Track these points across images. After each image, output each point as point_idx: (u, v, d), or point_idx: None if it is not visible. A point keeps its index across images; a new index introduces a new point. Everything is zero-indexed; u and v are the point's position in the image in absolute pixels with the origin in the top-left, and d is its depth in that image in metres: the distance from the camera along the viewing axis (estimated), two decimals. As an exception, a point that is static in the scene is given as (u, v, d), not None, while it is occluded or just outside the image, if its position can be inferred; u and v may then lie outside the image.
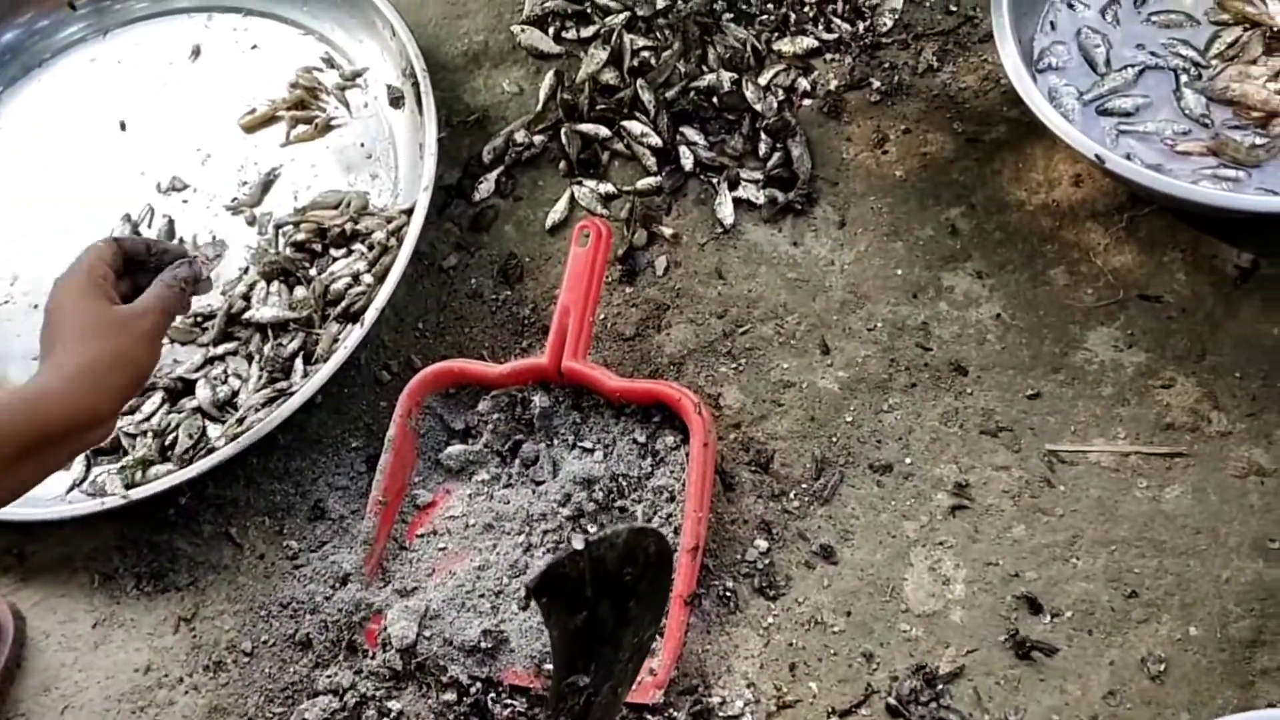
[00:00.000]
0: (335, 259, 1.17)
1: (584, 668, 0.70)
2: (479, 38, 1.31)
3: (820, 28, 1.22)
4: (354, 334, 1.09)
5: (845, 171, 1.17)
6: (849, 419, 1.06)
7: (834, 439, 1.05)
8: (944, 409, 1.05)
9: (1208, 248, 1.07)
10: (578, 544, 0.64)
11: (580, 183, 1.20)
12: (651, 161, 1.19)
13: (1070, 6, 1.12)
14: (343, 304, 1.13)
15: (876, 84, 1.19)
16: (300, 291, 1.15)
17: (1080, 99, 1.08)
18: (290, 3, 1.32)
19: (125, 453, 1.10)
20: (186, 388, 1.13)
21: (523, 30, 1.28)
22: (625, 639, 0.71)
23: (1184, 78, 1.07)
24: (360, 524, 1.06)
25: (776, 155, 1.17)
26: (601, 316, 1.15)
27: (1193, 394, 1.01)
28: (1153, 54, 1.09)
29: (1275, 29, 1.08)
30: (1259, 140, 1.03)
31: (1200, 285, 1.05)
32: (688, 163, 1.18)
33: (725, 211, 1.15)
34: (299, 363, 1.12)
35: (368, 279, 1.13)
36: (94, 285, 0.91)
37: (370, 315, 1.08)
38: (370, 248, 1.15)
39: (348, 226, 1.17)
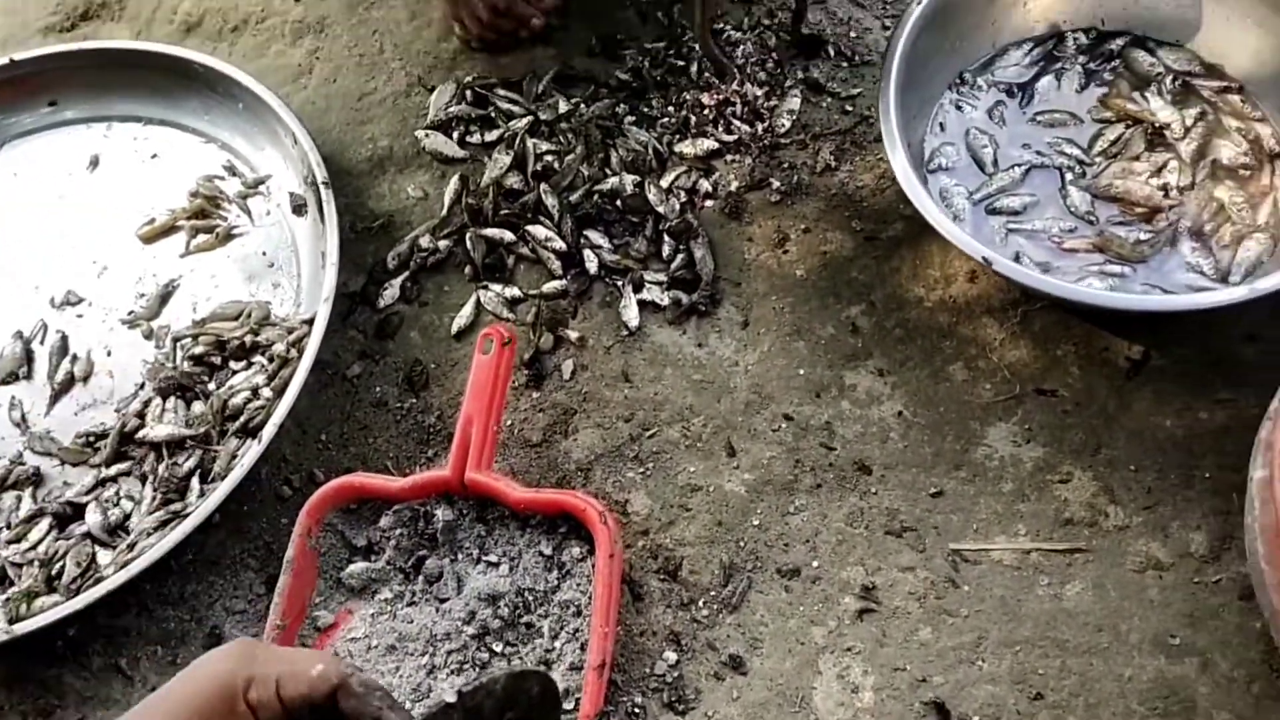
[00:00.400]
0: (235, 372, 1.14)
1: None
2: (383, 143, 1.31)
3: (720, 129, 1.24)
4: (252, 450, 1.07)
5: (748, 272, 1.18)
6: (756, 522, 1.05)
7: (741, 544, 1.04)
8: (849, 509, 1.05)
9: (1100, 340, 1.09)
10: (449, 697, 0.63)
11: (486, 287, 1.20)
12: (556, 265, 1.19)
13: (959, 108, 1.16)
14: (241, 419, 1.10)
15: (776, 184, 1.21)
16: (198, 407, 1.12)
17: (970, 198, 1.10)
18: (191, 111, 1.31)
19: (10, 584, 1.06)
20: (76, 512, 1.08)
21: (427, 135, 1.28)
22: None
23: (1069, 176, 1.11)
24: (259, 649, 1.03)
25: (680, 257, 1.17)
26: (508, 423, 1.13)
27: (1089, 488, 1.02)
28: (1039, 153, 1.12)
29: (1156, 126, 1.12)
30: (1143, 236, 1.06)
31: (1094, 378, 1.07)
32: (592, 266, 1.18)
33: (630, 314, 1.16)
34: (195, 482, 1.08)
35: (267, 392, 1.11)
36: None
37: (268, 431, 1.06)
38: (270, 360, 1.13)
39: (247, 338, 1.15)
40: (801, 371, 1.11)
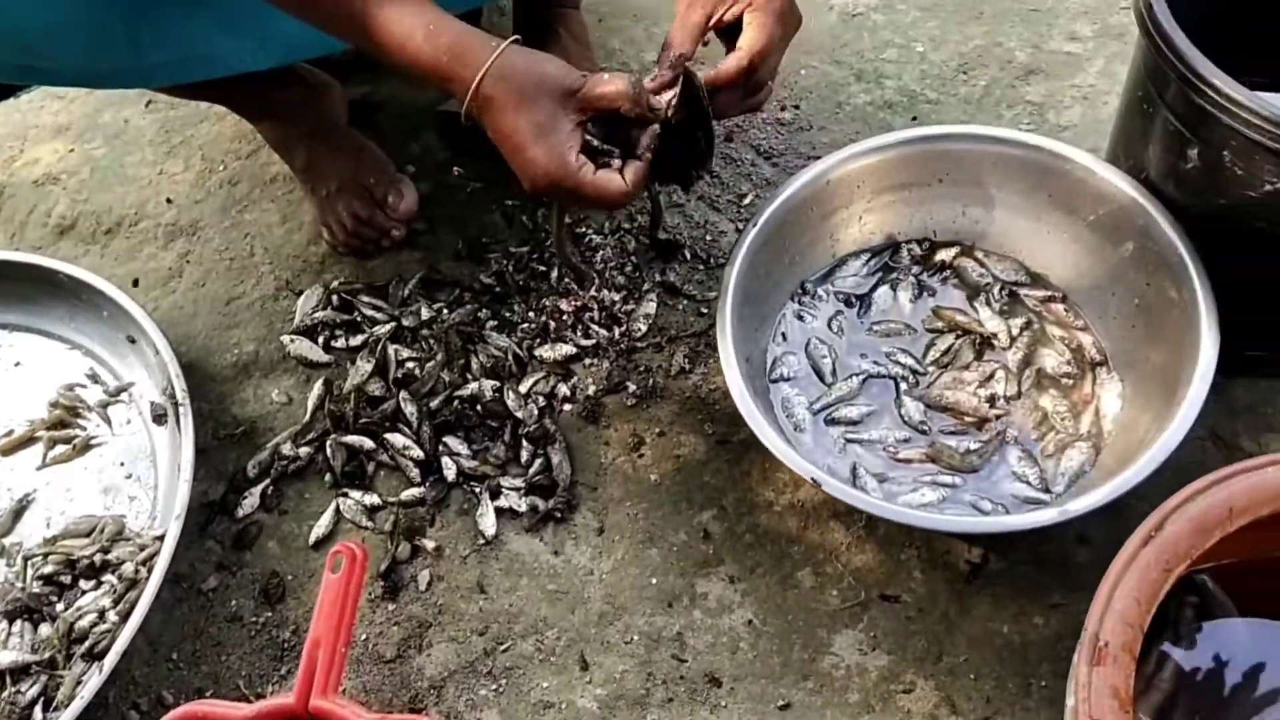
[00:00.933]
0: (84, 592, 1.13)
1: None
2: (249, 348, 1.33)
3: (579, 334, 1.27)
4: (94, 680, 1.04)
5: (604, 476, 1.20)
6: (607, 742, 1.05)
7: (593, 763, 1.04)
8: (700, 724, 1.05)
9: (940, 544, 1.12)
10: None
11: (346, 495, 1.20)
12: (415, 473, 1.20)
13: (800, 318, 1.21)
14: (87, 643, 1.08)
15: (633, 387, 1.24)
16: (44, 630, 1.10)
17: (810, 408, 1.14)
18: (55, 318, 1.32)
19: None
20: (-91, 749, 1.05)
21: (292, 340, 1.30)
22: None
23: (904, 385, 1.15)
24: None
25: (538, 462, 1.19)
26: (363, 636, 1.13)
27: (932, 698, 1.04)
28: (876, 363, 1.17)
29: (985, 335, 1.18)
30: (973, 445, 1.11)
31: (936, 583, 1.10)
32: (450, 473, 1.20)
33: (487, 523, 1.17)
34: (38, 712, 1.06)
35: (113, 616, 1.09)
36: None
37: (110, 660, 1.04)
38: (120, 579, 1.12)
39: (98, 557, 1.13)
40: (654, 580, 1.13)
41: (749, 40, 0.98)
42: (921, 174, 1.21)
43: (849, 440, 1.12)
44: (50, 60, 1.11)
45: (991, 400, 1.13)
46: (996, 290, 1.20)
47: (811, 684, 1.06)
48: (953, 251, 1.23)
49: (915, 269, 1.23)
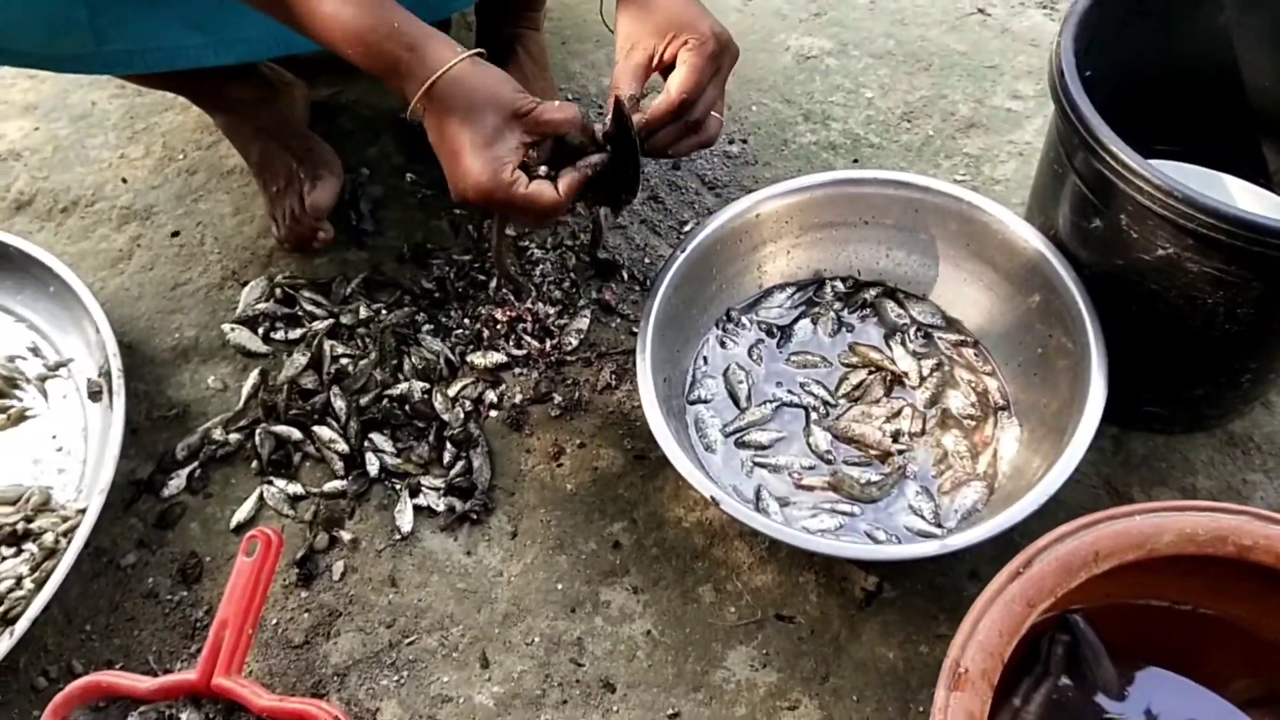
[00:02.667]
0: (3, 559, 1.15)
1: None
2: (190, 333, 1.36)
3: (511, 344, 1.32)
4: (3, 643, 1.07)
5: (522, 482, 1.24)
6: (500, 737, 1.09)
7: (484, 757, 1.08)
8: (590, 727, 1.09)
9: (840, 570, 1.17)
10: None
11: (270, 482, 1.23)
12: (339, 466, 1.24)
13: (722, 344, 1.25)
14: (1, 608, 1.11)
15: (558, 399, 1.29)
16: (-39, 593, 1.13)
17: (723, 430, 1.19)
18: (3, 290, 1.35)
19: None
20: None
21: (233, 329, 1.34)
22: None
23: (814, 415, 1.20)
24: None
25: (459, 464, 1.23)
26: (273, 621, 1.16)
27: (815, 716, 1.08)
28: (790, 391, 1.22)
29: (896, 373, 1.23)
30: (875, 477, 1.15)
31: (830, 607, 1.15)
32: (373, 468, 1.23)
33: (404, 519, 1.20)
34: (-55, 673, 1.08)
35: (29, 584, 1.12)
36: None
37: (21, 625, 1.06)
38: (40, 548, 1.14)
39: (20, 525, 1.16)
40: (560, 586, 1.17)
41: (678, 80, 1.03)
42: (849, 214, 1.26)
43: (757, 464, 1.17)
44: (13, 42, 1.14)
45: (896, 435, 1.18)
46: (912, 331, 1.25)
47: (701, 695, 1.10)
48: (874, 291, 1.28)
49: (837, 305, 1.28)
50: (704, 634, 1.13)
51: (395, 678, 1.12)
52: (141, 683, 1.07)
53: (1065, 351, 1.13)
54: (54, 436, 1.26)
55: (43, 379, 1.30)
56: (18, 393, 1.29)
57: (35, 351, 1.32)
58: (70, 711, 1.06)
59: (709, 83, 1.04)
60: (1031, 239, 1.17)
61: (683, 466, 1.07)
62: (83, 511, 1.16)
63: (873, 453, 1.17)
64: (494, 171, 0.96)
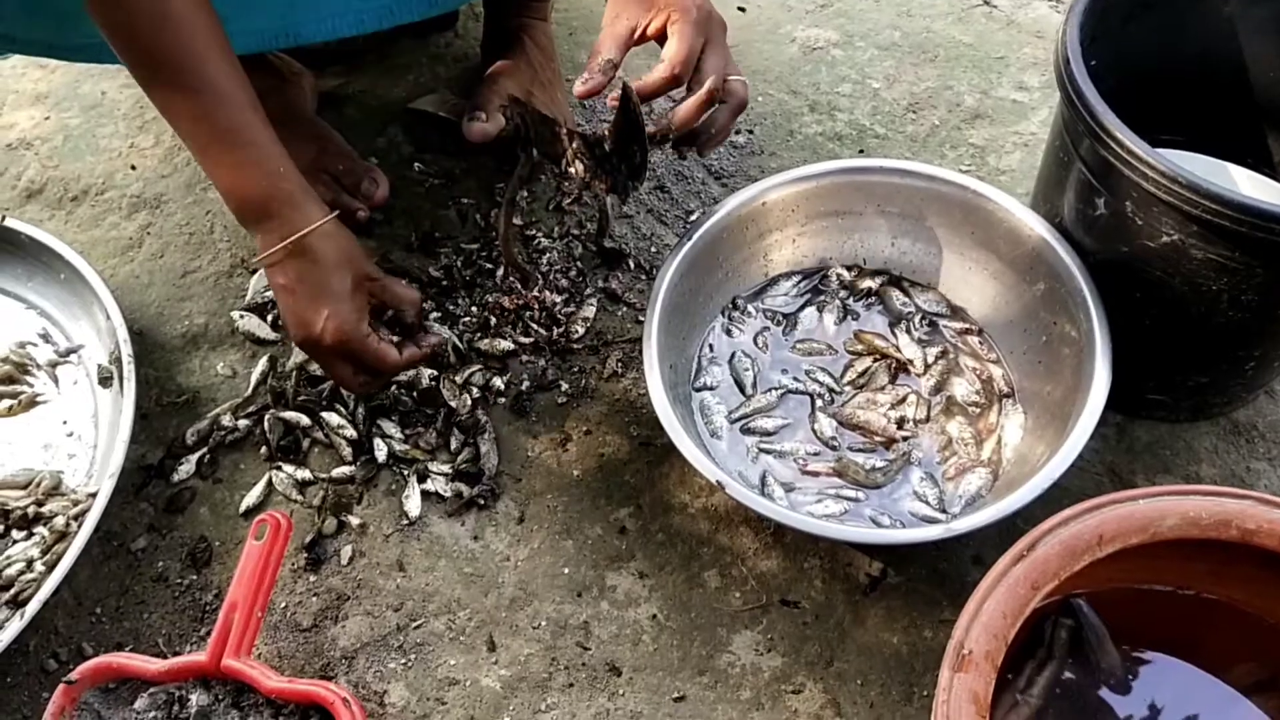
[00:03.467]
0: (15, 541, 1.16)
1: None
2: (200, 320, 1.37)
3: (518, 331, 1.32)
4: (13, 625, 1.08)
5: (529, 468, 1.25)
6: (507, 719, 1.09)
7: (490, 740, 1.08)
8: (597, 709, 1.09)
9: (844, 556, 1.17)
10: None
11: (279, 468, 1.24)
12: (348, 451, 1.25)
13: (728, 332, 1.26)
14: (12, 590, 1.12)
15: (565, 386, 1.29)
16: (-28, 575, 1.14)
17: (728, 417, 1.20)
18: (14, 277, 1.36)
19: None
20: None
21: (242, 316, 1.35)
22: None
23: (820, 402, 1.21)
24: (-5, 831, 1.03)
25: (467, 450, 1.24)
26: (282, 604, 1.17)
27: (819, 700, 1.09)
28: (795, 379, 1.23)
29: (901, 361, 1.23)
30: (879, 464, 1.16)
31: (834, 593, 1.15)
32: (381, 454, 1.24)
33: (412, 505, 1.21)
34: (-43, 652, 1.09)
35: (40, 566, 1.13)
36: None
37: (32, 607, 1.07)
38: (50, 532, 1.15)
39: (31, 509, 1.17)
40: (566, 570, 1.17)
41: (671, 50, 1.06)
42: (855, 203, 1.27)
43: (762, 450, 1.17)
44: (25, 31, 1.15)
45: (901, 422, 1.18)
46: (917, 320, 1.25)
47: (707, 679, 1.10)
48: (879, 280, 1.29)
49: (843, 293, 1.28)
50: (709, 618, 1.14)
51: (403, 660, 1.13)
52: (151, 664, 1.08)
53: (1069, 339, 1.13)
54: (64, 422, 1.27)
55: (53, 365, 1.31)
56: (28, 379, 1.30)
57: (46, 338, 1.33)
58: (82, 691, 1.07)
59: (701, 49, 1.06)
60: (1036, 227, 1.17)
61: (689, 452, 1.07)
62: (93, 496, 1.17)
63: (877, 439, 1.18)
64: (356, 320, 1.09)
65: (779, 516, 1.04)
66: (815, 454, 1.17)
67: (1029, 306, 1.19)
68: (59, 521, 1.16)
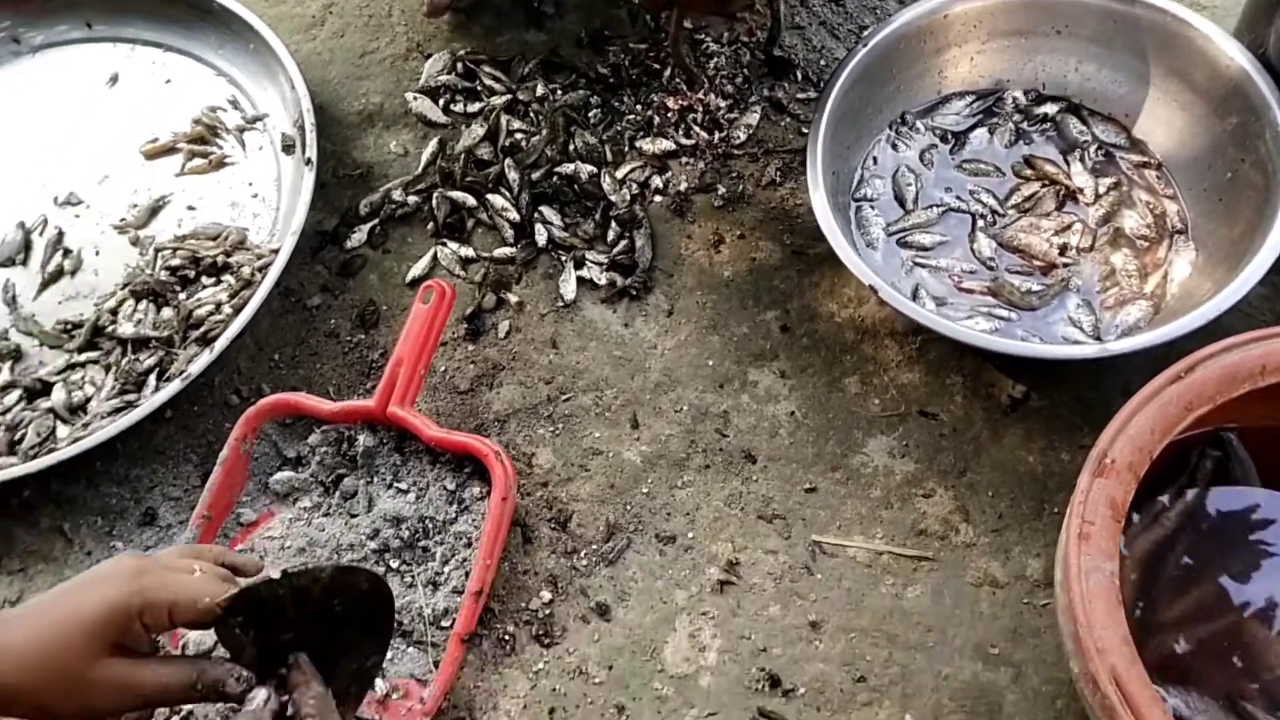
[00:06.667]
0: (204, 286, 1.26)
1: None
2: (375, 99, 1.42)
3: (680, 133, 1.33)
4: (203, 358, 1.18)
5: (681, 266, 1.28)
6: (645, 490, 1.15)
7: (629, 507, 1.15)
8: (730, 491, 1.14)
9: (988, 376, 1.18)
10: (274, 573, 0.72)
11: (444, 244, 1.30)
12: (509, 233, 1.30)
13: (894, 146, 1.25)
14: (202, 329, 1.22)
15: (722, 190, 1.31)
16: (166, 313, 1.24)
17: (885, 229, 1.20)
18: (206, 45, 1.43)
19: (-24, 443, 1.18)
20: (44, 389, 1.21)
21: (415, 99, 1.39)
22: (343, 664, 0.79)
23: (981, 223, 1.20)
24: (184, 534, 1.14)
25: (623, 243, 1.28)
26: (441, 369, 1.24)
27: (948, 505, 1.11)
28: (958, 197, 1.21)
29: (1070, 189, 1.21)
30: (1035, 287, 1.15)
31: (974, 409, 1.16)
32: (541, 239, 1.29)
33: (568, 288, 1.26)
34: (152, 379, 1.20)
35: (228, 309, 1.22)
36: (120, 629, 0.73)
37: (221, 343, 1.17)
38: (237, 280, 1.24)
39: (220, 258, 1.26)
40: (711, 363, 1.21)
41: None
42: (1040, 22, 1.22)
43: (917, 263, 1.18)
44: None
45: (1063, 249, 1.17)
46: (1093, 149, 1.22)
47: (839, 475, 1.14)
48: (1057, 106, 1.25)
49: (1017, 117, 1.25)
50: (846, 421, 1.17)
51: (551, 429, 1.19)
52: (324, 405, 1.17)
53: (1255, 179, 1.09)
54: (250, 184, 1.35)
55: (241, 130, 1.38)
56: (218, 141, 1.37)
57: (234, 104, 1.40)
58: (262, 422, 1.17)
59: None
60: (1237, 57, 1.11)
61: (846, 255, 1.09)
62: (276, 251, 1.25)
63: (1037, 264, 1.17)
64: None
65: (929, 322, 1.05)
66: (971, 272, 1.17)
67: (1217, 141, 1.15)
68: (245, 271, 1.25)
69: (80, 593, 0.74)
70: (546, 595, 1.10)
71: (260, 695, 0.72)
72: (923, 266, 1.17)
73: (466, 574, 1.09)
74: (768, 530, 1.12)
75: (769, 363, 1.21)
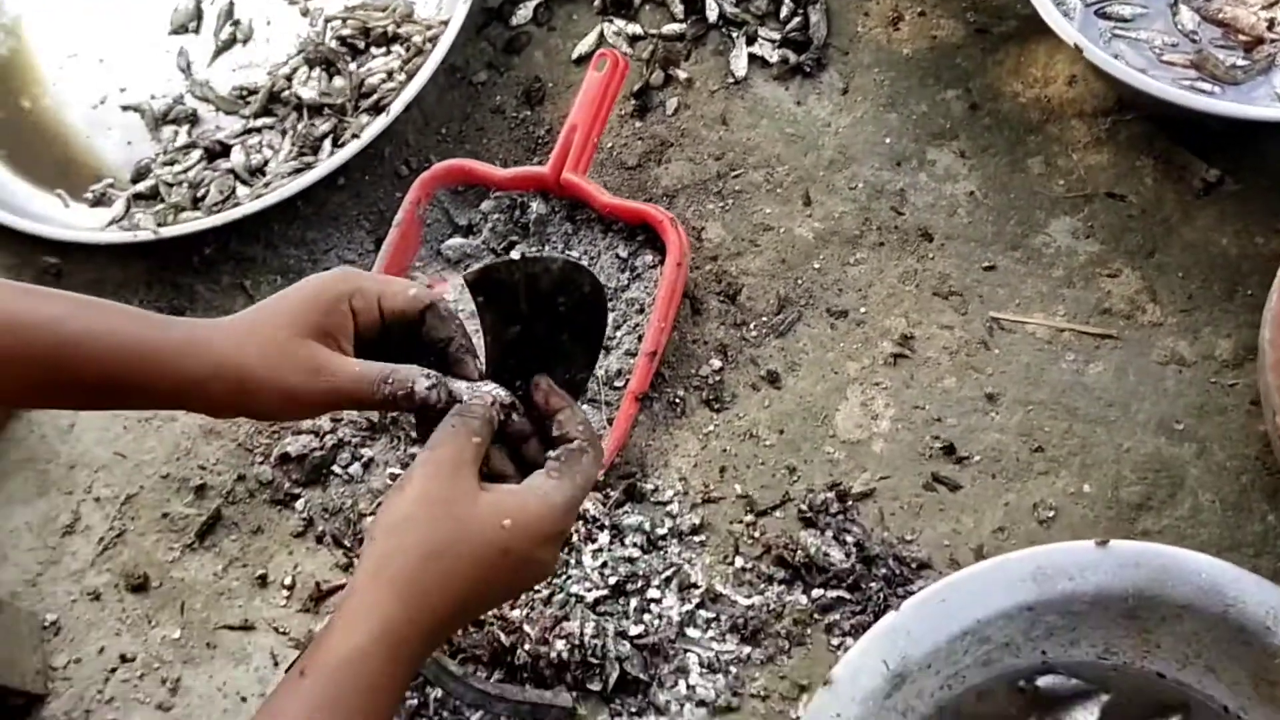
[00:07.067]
0: (374, 56, 1.26)
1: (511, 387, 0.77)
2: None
3: (859, -94, 1.28)
4: (378, 122, 1.18)
5: (857, 43, 1.23)
6: (817, 266, 1.14)
7: (800, 282, 1.14)
8: (905, 269, 1.13)
9: (1180, 158, 1.13)
10: (515, 254, 0.72)
11: (610, 20, 1.28)
12: (679, 9, 1.26)
13: (1094, -87, 1.18)
14: (374, 97, 1.22)
15: (901, -34, 1.26)
16: (338, 81, 1.24)
17: (1084, 1, 1.14)
18: None
19: (161, 199, 1.21)
20: (223, 151, 1.23)
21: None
22: (556, 371, 0.79)
23: (1185, -5, 1.13)
24: (361, 294, 1.17)
25: (796, 19, 1.23)
26: (608, 145, 1.23)
27: (1135, 285, 1.08)
28: (1163, -32, 1.15)
29: (1285, -38, 1.13)
30: (1240, 61, 1.09)
31: (1165, 191, 1.12)
32: (712, 15, 1.25)
33: (739, 65, 1.23)
34: (327, 144, 1.21)
35: (400, 77, 1.22)
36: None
37: (395, 107, 1.17)
38: (407, 50, 1.24)
39: (390, 28, 1.26)
40: (888, 141, 1.18)
41: None
42: None
43: (1115, 35, 1.11)
44: None
45: (1271, 24, 1.09)
46: (1311, -82, 1.13)
47: (1019, 254, 1.12)
48: (1273, -128, 1.16)
49: (1228, -116, 1.17)
50: (1028, 201, 1.14)
51: (721, 204, 1.18)
52: (497, 171, 1.18)
53: None
54: (415, -42, 1.34)
55: (405, -96, 1.36)
56: (385, -85, 1.36)
57: (397, -121, 1.38)
58: (435, 188, 1.18)
59: None
60: None
61: (1050, 17, 1.04)
62: (445, 23, 1.24)
63: (1242, 38, 1.10)
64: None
65: (1134, 80, 1.00)
66: (1173, 45, 1.10)
67: None
68: (415, 40, 1.24)
69: (300, 284, 0.73)
70: (716, 363, 1.11)
71: (492, 390, 0.72)
72: (1121, 38, 1.11)
73: (639, 338, 1.10)
74: (943, 306, 1.11)
75: (948, 142, 1.17)
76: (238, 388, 0.68)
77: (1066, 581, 0.86)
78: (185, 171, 1.21)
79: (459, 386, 0.70)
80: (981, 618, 0.86)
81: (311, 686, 0.61)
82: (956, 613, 0.86)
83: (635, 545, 1.03)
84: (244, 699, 1.03)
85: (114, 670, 1.05)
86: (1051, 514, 1.00)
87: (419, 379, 0.68)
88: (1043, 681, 0.89)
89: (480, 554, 0.63)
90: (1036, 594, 0.86)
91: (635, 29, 1.27)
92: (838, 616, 0.98)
